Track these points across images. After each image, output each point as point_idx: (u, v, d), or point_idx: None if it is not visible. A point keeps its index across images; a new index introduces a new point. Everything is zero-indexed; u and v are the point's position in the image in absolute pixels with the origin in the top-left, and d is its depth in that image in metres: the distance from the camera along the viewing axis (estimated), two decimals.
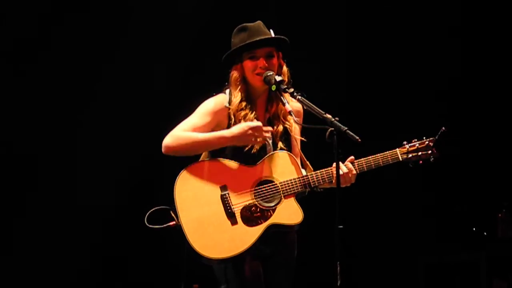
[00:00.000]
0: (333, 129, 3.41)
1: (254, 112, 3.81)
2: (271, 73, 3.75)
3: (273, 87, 3.71)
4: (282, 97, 3.71)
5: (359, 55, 6.81)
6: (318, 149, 3.83)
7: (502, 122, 6.87)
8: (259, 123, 3.70)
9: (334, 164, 3.73)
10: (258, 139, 3.69)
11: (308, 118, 3.65)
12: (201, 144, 3.73)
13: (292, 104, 3.74)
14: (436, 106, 6.84)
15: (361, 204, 6.18)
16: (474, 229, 6.67)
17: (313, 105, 3.59)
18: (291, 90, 3.66)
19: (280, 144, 3.84)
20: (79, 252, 6.14)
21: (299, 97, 3.63)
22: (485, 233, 6.61)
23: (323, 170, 3.80)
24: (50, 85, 6.08)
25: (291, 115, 3.69)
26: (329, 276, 3.50)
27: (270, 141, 3.83)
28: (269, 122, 3.88)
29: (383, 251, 6.88)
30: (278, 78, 3.71)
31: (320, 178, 3.78)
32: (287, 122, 3.88)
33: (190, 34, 6.33)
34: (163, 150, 3.74)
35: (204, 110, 3.80)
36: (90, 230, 6.12)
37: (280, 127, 3.86)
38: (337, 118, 3.46)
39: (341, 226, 3.35)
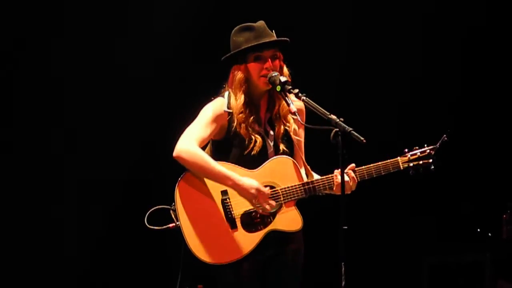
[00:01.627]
0: (338, 129, 3.39)
1: (253, 116, 3.78)
2: (276, 73, 3.74)
3: (278, 88, 3.70)
4: (287, 98, 3.70)
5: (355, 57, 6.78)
6: (323, 150, 3.81)
7: (507, 123, 6.86)
8: (268, 191, 3.70)
9: (335, 171, 3.75)
10: (257, 205, 3.68)
11: (313, 118, 3.64)
12: (209, 175, 3.69)
13: (295, 104, 3.72)
14: (441, 106, 6.83)
15: (365, 204, 6.16)
16: (479, 230, 6.66)
17: (317, 106, 3.57)
18: (296, 90, 3.65)
19: (282, 146, 3.82)
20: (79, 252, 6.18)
21: (304, 97, 3.62)
22: (490, 234, 6.60)
23: (324, 177, 3.79)
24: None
25: (295, 115, 3.68)
26: (333, 277, 3.49)
27: (272, 143, 3.82)
28: (270, 122, 3.87)
29: (387, 251, 6.87)
30: (283, 79, 3.70)
31: (321, 185, 3.77)
32: (287, 124, 3.86)
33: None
34: (175, 155, 3.69)
35: (206, 121, 3.76)
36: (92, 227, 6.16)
37: (282, 128, 3.85)
38: (342, 119, 3.45)
39: (346, 227, 3.34)
